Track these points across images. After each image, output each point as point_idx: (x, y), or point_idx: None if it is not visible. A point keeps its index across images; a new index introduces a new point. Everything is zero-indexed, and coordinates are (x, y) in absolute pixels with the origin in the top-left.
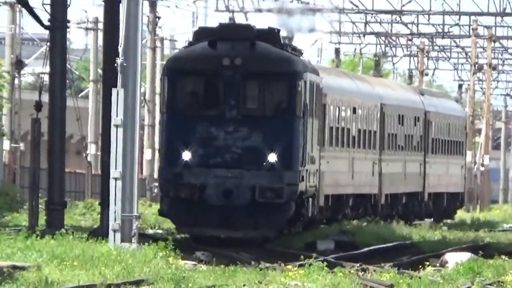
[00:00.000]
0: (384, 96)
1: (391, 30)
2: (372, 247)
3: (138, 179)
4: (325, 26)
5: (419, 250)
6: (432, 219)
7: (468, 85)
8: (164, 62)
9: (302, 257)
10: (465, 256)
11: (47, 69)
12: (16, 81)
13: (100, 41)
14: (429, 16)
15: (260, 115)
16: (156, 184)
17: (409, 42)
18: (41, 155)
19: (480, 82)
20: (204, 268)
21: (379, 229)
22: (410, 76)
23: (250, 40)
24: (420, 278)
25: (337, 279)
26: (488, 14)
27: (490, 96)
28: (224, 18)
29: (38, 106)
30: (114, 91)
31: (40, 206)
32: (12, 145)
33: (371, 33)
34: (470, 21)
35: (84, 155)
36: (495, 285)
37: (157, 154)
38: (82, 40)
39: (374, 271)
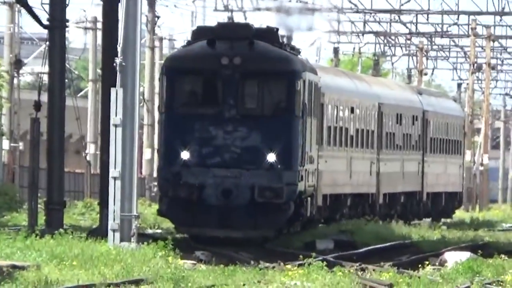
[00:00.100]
0: (382, 95)
1: (390, 30)
2: (372, 247)
3: (138, 179)
4: (324, 25)
5: (419, 250)
6: (430, 218)
7: (467, 84)
8: (163, 62)
9: (301, 256)
10: (464, 255)
11: (46, 68)
12: (15, 80)
13: (99, 41)
14: (428, 16)
15: (259, 114)
16: (155, 183)
17: (408, 42)
18: (40, 155)
19: (479, 82)
20: (203, 267)
21: (378, 228)
22: (409, 76)
23: (249, 39)
24: (419, 277)
25: (336, 279)
26: (487, 13)
27: (489, 95)
28: (223, 18)
29: (37, 105)
30: (113, 90)
31: (39, 205)
32: (12, 144)
33: (370, 33)
34: (469, 21)
35: (83, 154)
36: (494, 284)
37: (156, 153)
38: (81, 40)
39: (374, 270)
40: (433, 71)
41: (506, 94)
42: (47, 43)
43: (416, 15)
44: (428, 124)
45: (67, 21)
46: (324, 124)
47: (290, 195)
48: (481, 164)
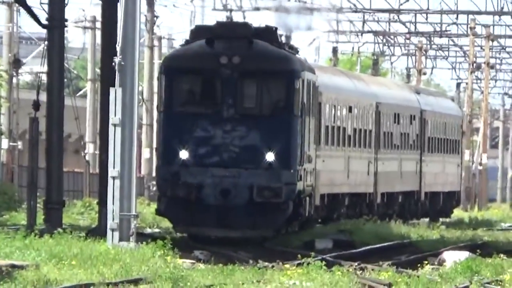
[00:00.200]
0: (379, 94)
1: (389, 29)
2: (370, 246)
3: (136, 178)
4: (322, 25)
5: (417, 249)
6: (428, 218)
7: (466, 84)
8: (162, 61)
9: (300, 256)
10: (463, 255)
11: (45, 68)
12: (14, 80)
13: (98, 40)
14: (427, 15)
15: (258, 114)
16: (154, 183)
17: (407, 41)
18: (39, 154)
19: (478, 81)
20: (202, 267)
21: (377, 228)
22: (408, 75)
23: (248, 38)
24: (418, 277)
25: (335, 278)
26: (486, 13)
27: (488, 95)
28: (222, 17)
29: (36, 105)
30: (112, 90)
31: (38, 205)
32: (10, 144)
33: (369, 32)
34: (468, 20)
35: (82, 154)
36: (493, 284)
37: (155, 153)
38: (80, 39)
39: (373, 270)
40: (432, 70)
41: (505, 93)
42: (46, 42)
43: (415, 14)
44: (426, 123)
45: (66, 20)
46: (322, 123)
47: (289, 195)
48: (480, 164)
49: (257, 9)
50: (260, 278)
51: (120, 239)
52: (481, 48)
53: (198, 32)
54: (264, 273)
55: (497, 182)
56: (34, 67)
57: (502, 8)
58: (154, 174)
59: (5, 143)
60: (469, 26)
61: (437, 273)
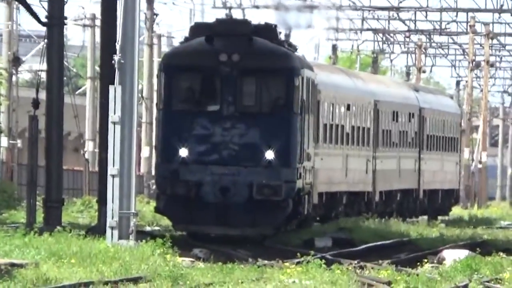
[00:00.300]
0: (378, 92)
1: (388, 27)
2: (370, 244)
3: (136, 176)
4: (322, 23)
5: (417, 247)
6: (427, 216)
7: (466, 82)
8: (161, 58)
9: (299, 254)
10: (462, 253)
11: (45, 66)
12: (14, 78)
13: (98, 38)
14: (426, 13)
15: (258, 111)
16: (154, 181)
17: (407, 39)
18: (38, 152)
19: (478, 79)
20: (201, 265)
21: (376, 226)
22: (408, 73)
23: (247, 36)
24: (417, 275)
25: (334, 276)
26: (486, 10)
27: (487, 93)
28: (221, 15)
29: (36, 103)
30: (111, 88)
31: (37, 203)
32: (10, 142)
33: (368, 30)
34: (467, 18)
35: (81, 152)
36: (492, 282)
37: (154, 151)
38: (79, 37)
39: (372, 268)
40: (431, 68)
41: (505, 91)
42: (45, 40)
43: (415, 12)
44: (424, 121)
45: (66, 18)
46: (320, 121)
47: (288, 193)
48: (480, 162)
49: (257, 7)
50: (259, 277)
51: (120, 237)
52: (481, 46)
53: (198, 29)
54: (263, 272)
55: (497, 180)
56: (34, 65)
57: (502, 6)
58: (153, 172)
59: (4, 141)
60: (468, 24)
61: (437, 272)
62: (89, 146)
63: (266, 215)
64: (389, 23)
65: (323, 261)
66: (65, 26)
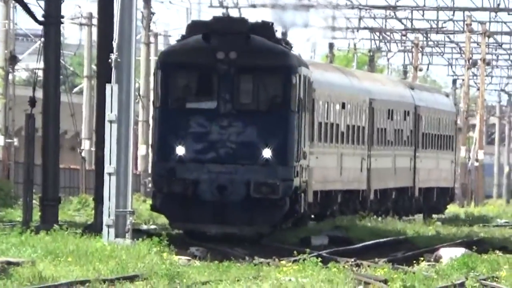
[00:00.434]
0: (373, 90)
1: (385, 26)
2: (366, 243)
3: (132, 175)
4: (319, 21)
5: (413, 246)
6: (422, 214)
7: (463, 80)
8: (158, 56)
9: (295, 252)
10: (459, 251)
11: (41, 64)
12: (10, 76)
13: (94, 37)
14: (423, 12)
15: (255, 109)
16: (150, 179)
17: (403, 38)
18: (35, 151)
19: (474, 78)
20: (198, 263)
21: (373, 224)
22: (405, 72)
23: (245, 34)
24: (414, 273)
25: (331, 275)
26: (482, 9)
27: (484, 91)
28: (218, 14)
29: (32, 101)
30: (108, 86)
31: (34, 201)
32: (6, 140)
33: (365, 28)
34: (464, 17)
35: (78, 151)
36: (489, 280)
37: (151, 149)
38: (76, 36)
39: (368, 266)
40: (428, 67)
41: (501, 90)
42: (42, 39)
43: (412, 11)
44: (420, 119)
45: (62, 17)
46: (315, 120)
47: (286, 191)
48: (476, 160)
49: (253, 6)
50: (256, 275)
51: (116, 236)
52: (477, 44)
53: (195, 27)
54: (260, 270)
55: (493, 178)
56: (30, 63)
57: (499, 4)
58: (150, 170)
59: (1, 139)
60: (465, 22)
61: (433, 270)
62: (86, 145)
63: (263, 214)
64: (386, 21)
65: (320, 259)
66: (62, 25)
